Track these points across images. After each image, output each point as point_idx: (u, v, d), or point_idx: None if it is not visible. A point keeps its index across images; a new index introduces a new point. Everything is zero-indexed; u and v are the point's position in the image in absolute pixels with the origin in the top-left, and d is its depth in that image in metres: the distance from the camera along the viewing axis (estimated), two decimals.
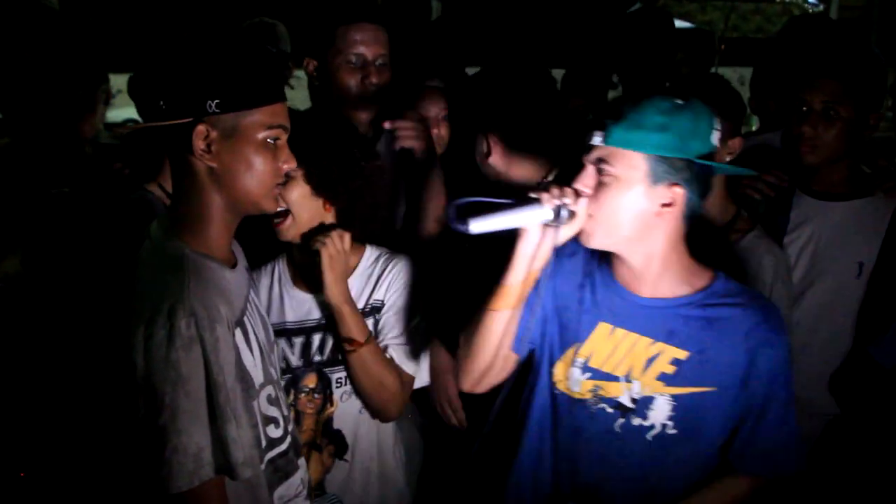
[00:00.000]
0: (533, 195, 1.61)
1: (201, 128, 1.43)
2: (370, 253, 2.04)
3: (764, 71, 2.97)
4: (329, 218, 1.92)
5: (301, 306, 2.00)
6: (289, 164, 1.53)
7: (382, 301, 2.00)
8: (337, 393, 1.98)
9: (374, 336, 1.97)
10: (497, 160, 2.12)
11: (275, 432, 1.63)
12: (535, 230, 1.62)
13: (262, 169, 1.49)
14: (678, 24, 3.72)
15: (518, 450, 1.82)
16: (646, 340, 1.67)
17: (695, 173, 1.58)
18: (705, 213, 2.14)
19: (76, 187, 2.51)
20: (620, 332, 1.69)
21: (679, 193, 1.59)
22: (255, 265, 1.87)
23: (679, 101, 1.58)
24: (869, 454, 2.22)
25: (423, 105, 2.40)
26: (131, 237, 1.63)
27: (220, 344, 1.42)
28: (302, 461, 1.76)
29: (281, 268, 2.05)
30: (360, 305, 1.97)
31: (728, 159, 2.13)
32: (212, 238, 1.53)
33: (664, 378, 1.66)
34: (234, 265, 1.60)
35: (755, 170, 2.37)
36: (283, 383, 1.97)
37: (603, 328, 1.71)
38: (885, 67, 2.26)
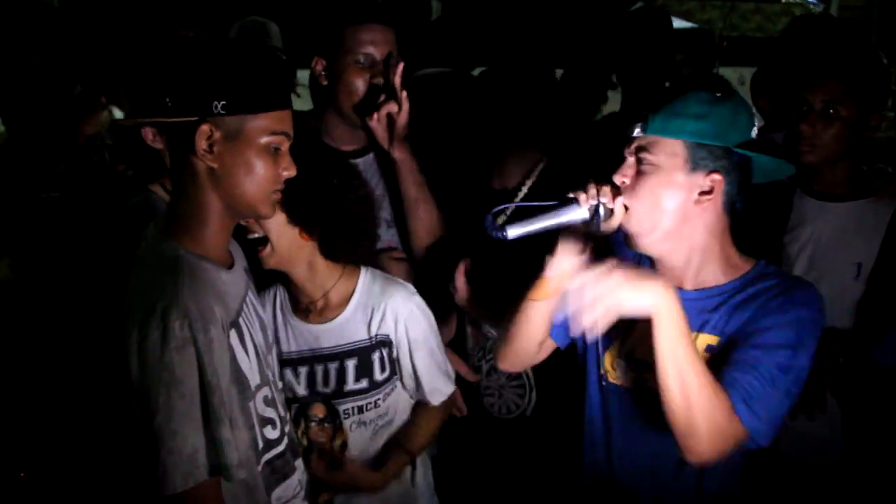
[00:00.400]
0: (570, 195, 1.62)
1: (205, 127, 1.44)
2: (365, 278, 1.98)
3: (766, 70, 2.97)
4: (308, 247, 1.87)
5: (301, 336, 1.97)
6: (289, 172, 1.54)
7: (389, 337, 1.95)
8: (346, 423, 1.97)
9: (396, 375, 1.99)
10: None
11: (272, 433, 1.63)
12: (574, 229, 1.65)
13: (262, 174, 1.49)
14: (678, 23, 3.71)
15: (582, 442, 1.86)
16: None
17: (734, 163, 1.59)
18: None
19: (74, 189, 2.51)
20: None
21: (718, 181, 1.59)
22: (259, 271, 1.85)
23: (718, 94, 1.60)
24: (870, 453, 2.22)
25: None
26: (131, 240, 1.63)
27: (215, 345, 1.42)
28: (299, 462, 1.76)
29: (282, 294, 2.01)
30: (363, 337, 1.94)
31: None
32: (208, 239, 1.53)
33: None
34: (230, 266, 1.59)
35: None
36: (292, 412, 1.96)
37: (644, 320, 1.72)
38: (889, 69, 2.24)
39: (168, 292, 1.41)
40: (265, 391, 1.62)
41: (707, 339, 1.66)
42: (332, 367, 1.95)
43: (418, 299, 1.98)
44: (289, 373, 1.97)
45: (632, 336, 1.74)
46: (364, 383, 1.94)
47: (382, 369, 1.95)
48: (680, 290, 1.66)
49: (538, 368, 2.02)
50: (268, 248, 1.83)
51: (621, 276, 1.46)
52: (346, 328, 1.94)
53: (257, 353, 1.61)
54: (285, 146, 1.52)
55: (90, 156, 2.68)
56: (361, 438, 1.98)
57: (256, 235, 1.81)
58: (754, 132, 1.63)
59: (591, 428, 1.84)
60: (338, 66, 2.23)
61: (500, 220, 1.61)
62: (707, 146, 1.57)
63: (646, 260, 1.74)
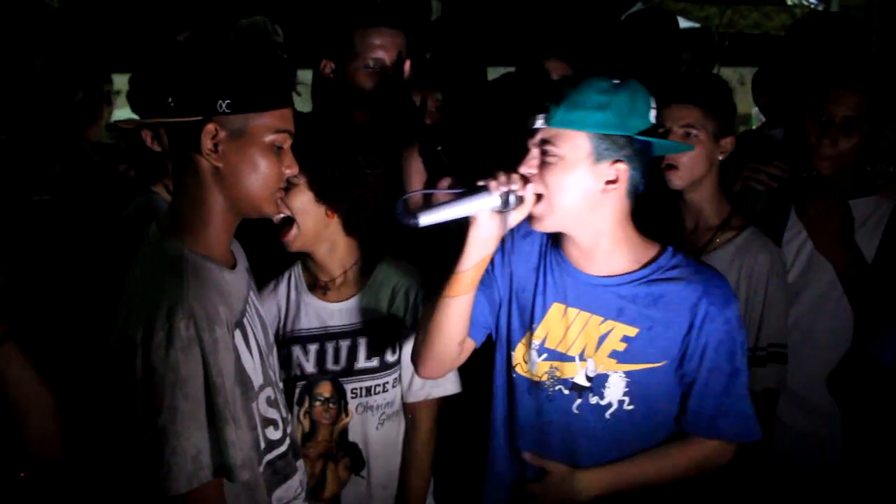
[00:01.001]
0: (480, 183, 1.63)
1: (210, 126, 1.44)
2: (386, 259, 2.00)
3: (767, 70, 2.95)
4: (333, 225, 1.91)
5: (315, 313, 1.99)
6: (291, 170, 1.55)
7: (401, 318, 1.95)
8: (352, 404, 1.97)
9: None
10: None
11: (274, 434, 1.63)
12: (485, 217, 1.64)
13: (267, 172, 1.50)
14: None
15: (491, 436, 1.87)
16: (597, 319, 1.72)
17: (636, 150, 1.64)
18: (700, 210, 2.18)
19: (69, 192, 2.50)
20: (573, 311, 1.74)
21: (622, 170, 1.64)
22: (259, 270, 1.85)
23: (616, 81, 1.64)
24: (869, 452, 2.22)
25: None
26: (132, 240, 1.64)
27: (220, 346, 1.42)
28: (300, 463, 1.76)
29: (297, 273, 2.03)
30: (378, 316, 1.95)
31: (721, 158, 2.16)
32: (211, 239, 1.53)
33: (616, 355, 1.70)
34: (233, 266, 1.59)
35: (756, 163, 2.39)
36: (298, 391, 1.98)
37: (557, 308, 1.75)
38: None
39: (173, 292, 1.41)
40: (268, 391, 1.62)
41: (624, 330, 1.70)
42: (344, 344, 1.96)
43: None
44: (298, 350, 1.98)
45: (546, 326, 1.76)
46: (375, 362, 1.95)
47: (393, 351, 1.96)
48: (590, 275, 1.72)
49: None
50: (293, 230, 1.87)
51: None
52: (363, 306, 1.96)
53: (260, 353, 1.61)
54: (288, 144, 1.53)
55: (90, 157, 2.68)
56: (367, 425, 1.97)
57: (282, 216, 1.83)
58: (653, 115, 1.66)
59: (496, 422, 1.85)
60: (347, 69, 2.23)
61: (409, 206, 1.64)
62: (610, 136, 1.62)
63: (549, 249, 1.78)
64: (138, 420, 1.39)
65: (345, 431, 1.98)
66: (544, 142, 1.64)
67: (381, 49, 2.21)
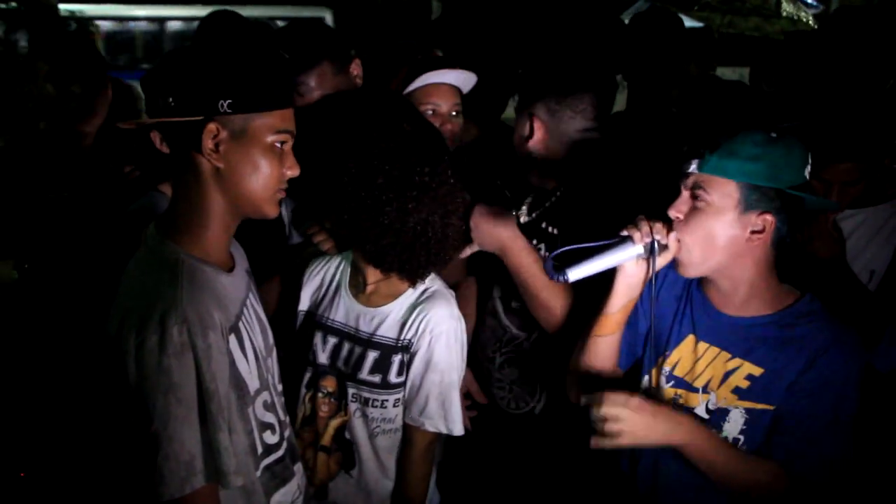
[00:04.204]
0: (624, 233, 1.71)
1: (212, 126, 1.43)
2: (420, 284, 1.94)
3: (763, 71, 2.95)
4: None
5: (344, 309, 1.98)
6: (292, 171, 1.54)
7: (412, 344, 1.91)
8: (351, 406, 1.95)
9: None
10: (537, 142, 2.14)
11: (271, 438, 1.62)
12: (631, 264, 1.74)
13: (268, 172, 1.49)
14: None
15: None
16: (725, 355, 1.75)
17: (785, 203, 1.66)
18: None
19: (77, 190, 2.50)
20: (703, 345, 1.78)
21: (769, 221, 1.66)
22: (260, 271, 1.85)
23: (773, 135, 1.65)
24: (865, 458, 2.21)
25: (434, 100, 2.39)
26: (132, 240, 1.63)
27: (213, 351, 1.41)
28: (298, 467, 1.75)
29: (344, 265, 2.03)
30: (393, 335, 1.92)
31: None
32: (209, 241, 1.52)
33: (738, 392, 1.72)
34: (231, 268, 1.58)
35: None
36: (308, 375, 1.98)
37: (690, 340, 1.80)
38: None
39: (167, 297, 1.40)
40: (265, 396, 1.61)
41: (750, 369, 1.72)
42: (357, 350, 1.95)
43: (460, 327, 1.93)
44: (319, 337, 1.99)
45: (678, 354, 1.81)
46: (377, 378, 1.92)
47: (399, 373, 1.92)
48: (726, 314, 1.76)
49: (551, 371, 2.06)
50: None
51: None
52: (383, 321, 1.93)
53: (257, 357, 1.60)
54: (289, 145, 1.52)
55: (98, 157, 2.67)
56: (360, 431, 1.96)
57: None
58: (807, 171, 1.68)
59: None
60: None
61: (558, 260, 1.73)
62: (761, 188, 1.64)
63: (694, 283, 1.82)
64: (131, 424, 1.38)
65: (342, 428, 1.97)
66: (696, 186, 1.67)
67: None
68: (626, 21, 3.48)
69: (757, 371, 1.71)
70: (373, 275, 1.93)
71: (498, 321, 2.29)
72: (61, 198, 2.50)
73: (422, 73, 2.32)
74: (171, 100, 1.43)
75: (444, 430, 1.90)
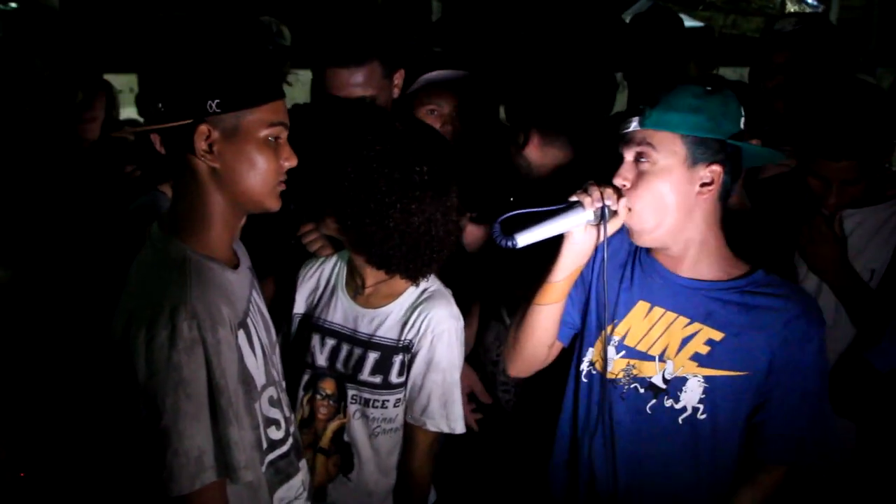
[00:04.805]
0: (574, 199, 1.64)
1: (203, 128, 1.43)
2: (420, 284, 1.94)
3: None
4: None
5: (343, 311, 1.97)
6: (290, 162, 1.53)
7: (413, 344, 1.90)
8: (351, 408, 1.95)
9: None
10: (532, 151, 2.15)
11: (276, 434, 1.63)
12: (579, 231, 1.66)
13: (265, 167, 1.49)
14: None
15: (556, 434, 1.88)
16: (683, 320, 1.71)
17: (728, 153, 1.64)
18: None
19: (75, 191, 2.50)
20: (658, 310, 1.73)
21: (717, 172, 1.64)
22: (262, 269, 1.85)
23: (709, 88, 1.64)
24: (867, 457, 2.22)
25: (435, 101, 2.39)
26: (134, 238, 1.63)
27: (223, 346, 1.42)
28: (303, 463, 1.75)
29: (340, 266, 2.03)
30: (393, 336, 1.92)
31: None
32: (213, 239, 1.52)
33: (698, 358, 1.69)
34: (236, 266, 1.59)
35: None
36: (306, 377, 1.98)
37: (641, 307, 1.74)
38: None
39: (176, 293, 1.40)
40: (270, 391, 1.62)
41: (710, 334, 1.69)
42: (357, 351, 1.94)
43: (459, 326, 1.93)
44: (316, 339, 1.98)
45: (627, 324, 1.76)
46: (378, 379, 1.93)
47: (400, 373, 1.92)
48: (682, 277, 1.72)
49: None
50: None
51: None
52: (383, 322, 1.93)
53: (263, 352, 1.60)
54: (284, 136, 1.52)
55: (98, 159, 2.68)
56: (360, 432, 1.96)
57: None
58: (742, 122, 1.66)
59: (568, 415, 1.86)
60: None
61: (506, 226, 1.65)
62: (704, 140, 1.61)
63: (641, 248, 1.77)
64: (141, 421, 1.38)
65: (341, 430, 1.97)
66: (640, 152, 1.64)
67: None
68: (627, 21, 3.50)
69: (718, 336, 1.68)
70: (373, 276, 1.93)
71: (501, 323, 2.30)
72: (56, 198, 2.50)
73: (421, 75, 2.33)
74: (160, 105, 1.43)
75: (445, 430, 1.91)
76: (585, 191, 1.64)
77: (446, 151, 1.86)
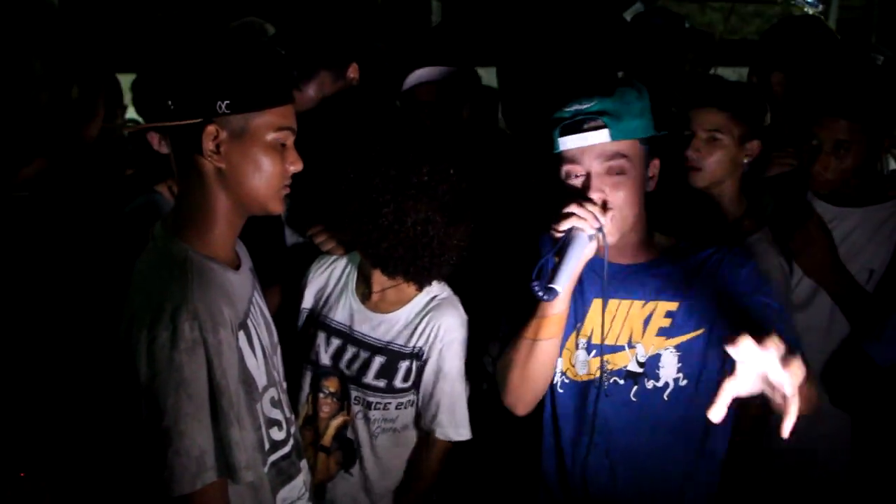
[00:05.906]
0: (568, 226, 1.61)
1: (211, 128, 1.43)
2: (428, 290, 1.94)
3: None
4: None
5: (350, 312, 1.98)
6: (296, 167, 1.54)
7: (423, 352, 1.90)
8: (354, 408, 1.96)
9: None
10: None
11: (278, 435, 1.63)
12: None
13: (271, 170, 1.49)
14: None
15: (541, 448, 1.87)
16: (638, 303, 1.74)
17: (657, 144, 1.75)
18: (721, 206, 2.22)
19: (74, 191, 2.50)
20: (613, 302, 1.75)
21: (657, 164, 1.76)
22: (262, 270, 1.85)
23: (632, 86, 1.71)
24: (866, 451, 2.22)
25: (426, 98, 2.38)
26: (134, 240, 1.63)
27: (224, 347, 1.42)
28: (304, 463, 1.76)
29: (351, 268, 2.02)
30: (401, 343, 1.92)
31: (746, 161, 2.19)
32: (216, 240, 1.53)
33: (664, 332, 1.72)
34: (237, 267, 1.59)
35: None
36: (310, 375, 1.98)
37: (597, 305, 1.76)
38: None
39: (177, 293, 1.41)
40: (272, 392, 1.62)
41: (667, 307, 1.73)
42: (363, 354, 1.95)
43: (467, 334, 1.93)
44: (322, 338, 1.98)
45: (590, 324, 1.76)
46: (382, 383, 1.93)
47: (405, 379, 1.93)
48: (626, 265, 1.76)
49: None
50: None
51: None
52: (390, 327, 1.93)
53: (264, 353, 1.60)
54: (290, 141, 1.53)
55: (97, 158, 2.67)
56: (362, 432, 1.97)
57: None
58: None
59: (548, 434, 1.85)
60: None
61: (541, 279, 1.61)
62: (650, 138, 1.71)
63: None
64: (142, 421, 1.38)
65: (343, 427, 1.98)
66: (612, 164, 1.66)
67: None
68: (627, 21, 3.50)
69: (673, 306, 1.72)
70: (379, 280, 1.93)
71: None
72: (21, 197, 2.49)
73: (413, 72, 2.33)
74: (169, 103, 1.44)
75: (454, 437, 1.92)
76: (578, 216, 1.61)
77: (447, 154, 1.86)
